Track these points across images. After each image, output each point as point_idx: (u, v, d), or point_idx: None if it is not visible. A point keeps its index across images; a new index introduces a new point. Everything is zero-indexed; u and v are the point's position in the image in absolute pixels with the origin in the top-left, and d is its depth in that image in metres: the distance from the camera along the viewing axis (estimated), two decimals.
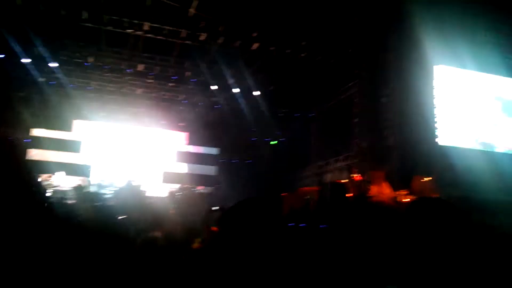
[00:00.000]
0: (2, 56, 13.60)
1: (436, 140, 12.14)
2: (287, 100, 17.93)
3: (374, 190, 11.92)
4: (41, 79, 15.57)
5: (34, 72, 14.92)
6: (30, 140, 16.80)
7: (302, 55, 13.71)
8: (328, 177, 15.76)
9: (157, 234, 3.35)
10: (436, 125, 12.22)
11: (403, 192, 11.11)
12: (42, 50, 13.58)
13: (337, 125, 15.77)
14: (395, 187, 11.43)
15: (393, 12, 11.82)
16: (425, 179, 12.07)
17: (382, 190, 11.91)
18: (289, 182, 18.76)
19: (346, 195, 10.80)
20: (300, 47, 13.50)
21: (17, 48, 13.10)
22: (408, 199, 10.70)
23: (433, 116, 12.23)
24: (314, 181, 16.75)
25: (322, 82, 16.13)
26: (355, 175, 12.43)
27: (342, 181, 13.62)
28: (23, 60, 13.88)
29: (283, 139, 19.91)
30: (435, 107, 12.28)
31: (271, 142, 20.14)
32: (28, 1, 11.07)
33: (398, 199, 10.92)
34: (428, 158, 11.59)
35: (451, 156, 11.50)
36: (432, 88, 12.37)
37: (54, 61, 14.27)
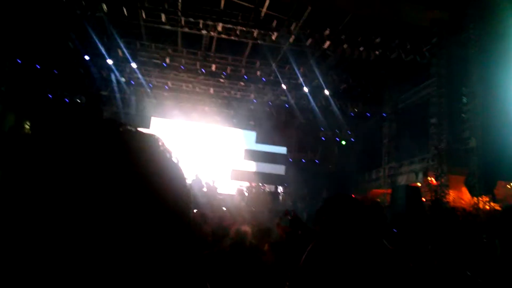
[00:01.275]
0: (88, 58, 14.77)
1: None
2: (359, 99, 17.50)
3: (452, 195, 11.28)
4: (122, 79, 16.72)
5: (116, 73, 16.09)
6: None
7: (376, 52, 13.28)
8: (402, 180, 15.15)
9: (247, 229, 3.41)
10: None
11: (484, 198, 10.39)
12: (123, 52, 14.58)
13: (412, 125, 15.05)
14: (475, 193, 10.73)
15: (476, 2, 11.02)
16: (510, 185, 11.17)
17: (460, 196, 11.22)
18: (359, 183, 18.30)
19: (421, 199, 10.32)
20: (374, 44, 13.09)
21: (102, 50, 14.19)
22: (489, 207, 9.97)
23: None
24: (386, 183, 16.20)
25: (396, 80, 15.51)
26: (431, 179, 11.84)
27: (417, 184, 13.05)
28: (107, 61, 14.98)
29: (354, 139, 19.45)
30: None
31: (341, 142, 19.77)
32: (112, 7, 11.93)
33: (478, 206, 10.24)
34: None
35: None
36: None
37: (134, 62, 15.22)
